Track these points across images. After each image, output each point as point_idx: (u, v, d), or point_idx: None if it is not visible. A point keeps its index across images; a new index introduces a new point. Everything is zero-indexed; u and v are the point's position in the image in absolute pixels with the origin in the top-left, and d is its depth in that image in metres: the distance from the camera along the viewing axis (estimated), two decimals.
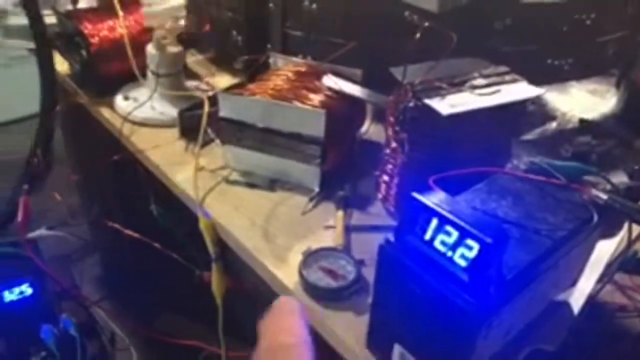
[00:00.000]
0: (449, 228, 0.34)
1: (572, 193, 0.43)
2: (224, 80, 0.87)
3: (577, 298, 0.50)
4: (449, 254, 0.34)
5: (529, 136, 0.76)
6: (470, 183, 0.47)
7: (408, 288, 0.37)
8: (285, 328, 0.25)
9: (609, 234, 0.55)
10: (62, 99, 0.83)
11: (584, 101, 0.90)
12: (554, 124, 0.78)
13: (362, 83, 0.70)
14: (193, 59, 0.93)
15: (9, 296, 0.84)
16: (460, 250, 0.34)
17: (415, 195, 0.36)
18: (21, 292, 0.84)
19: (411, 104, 0.51)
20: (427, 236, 0.36)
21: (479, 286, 0.33)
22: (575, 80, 0.89)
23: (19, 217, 0.72)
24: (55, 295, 0.94)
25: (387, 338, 0.41)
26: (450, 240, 0.34)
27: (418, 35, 0.48)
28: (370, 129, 0.75)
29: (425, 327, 0.37)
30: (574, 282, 0.49)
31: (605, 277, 0.53)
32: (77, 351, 0.82)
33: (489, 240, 0.32)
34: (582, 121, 0.81)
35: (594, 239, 0.44)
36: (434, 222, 0.35)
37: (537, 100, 0.89)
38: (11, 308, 0.83)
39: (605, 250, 0.54)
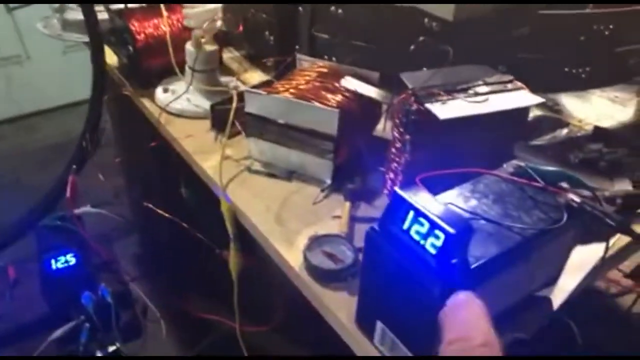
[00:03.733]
0: (421, 219, 0.39)
1: (551, 196, 0.47)
2: (255, 76, 0.94)
3: (557, 294, 0.53)
4: (422, 242, 0.39)
5: (538, 141, 0.79)
6: (463, 182, 0.51)
7: (388, 271, 0.42)
8: (475, 327, 0.28)
9: (600, 238, 0.58)
10: (110, 88, 0.92)
11: (602, 109, 0.91)
12: (565, 131, 0.81)
13: (381, 84, 0.75)
14: (229, 55, 1.01)
15: (55, 264, 0.94)
16: (431, 239, 0.39)
17: (397, 190, 0.41)
18: (66, 261, 0.94)
19: (413, 108, 0.56)
20: (405, 226, 0.41)
21: (444, 271, 0.38)
22: (594, 88, 0.90)
23: (67, 193, 0.80)
24: (95, 267, 1.04)
25: (372, 315, 0.47)
26: (423, 230, 0.39)
27: (412, 47, 0.53)
28: (386, 127, 0.80)
29: (400, 306, 0.42)
30: (554, 280, 0.53)
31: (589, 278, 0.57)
32: (111, 317, 0.92)
33: (452, 230, 0.37)
34: (597, 128, 0.83)
35: (567, 239, 0.48)
36: (411, 214, 0.40)
37: (554, 106, 0.91)
38: (57, 274, 0.93)
39: (594, 252, 0.58)
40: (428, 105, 0.55)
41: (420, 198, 0.41)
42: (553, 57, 0.80)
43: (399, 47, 0.78)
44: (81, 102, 2.77)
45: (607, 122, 0.86)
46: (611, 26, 0.78)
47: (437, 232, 0.38)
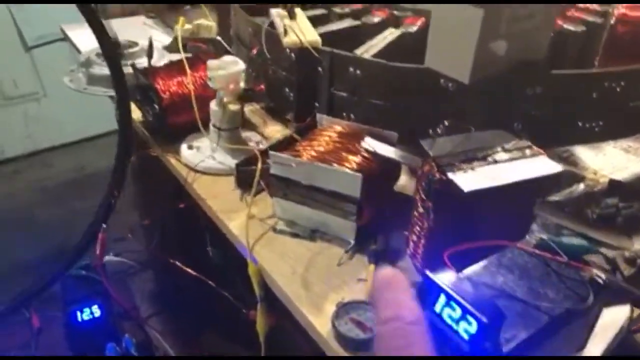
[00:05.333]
0: (453, 304, 0.41)
1: (576, 270, 0.49)
2: (276, 129, 0.97)
3: None
4: (454, 326, 0.41)
5: (555, 197, 0.80)
6: (487, 251, 0.53)
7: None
8: (405, 305, 0.31)
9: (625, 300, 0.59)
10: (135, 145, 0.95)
11: (617, 160, 0.93)
12: (581, 186, 0.82)
13: (401, 142, 0.77)
14: (250, 108, 1.04)
15: (81, 316, 0.96)
16: (463, 324, 0.40)
17: (428, 273, 0.43)
18: (91, 313, 0.96)
19: (436, 177, 0.58)
20: (437, 309, 0.42)
21: (477, 356, 0.40)
22: (608, 140, 0.92)
23: (97, 251, 0.83)
24: (118, 314, 1.06)
25: None
26: (455, 314, 0.41)
27: (439, 130, 0.55)
28: (404, 183, 0.82)
29: None
30: (581, 347, 0.54)
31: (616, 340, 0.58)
32: None
33: (485, 320, 0.38)
34: (612, 182, 0.84)
35: (594, 313, 0.49)
36: (442, 297, 0.42)
37: (569, 157, 0.93)
38: (83, 327, 0.95)
39: (619, 314, 0.59)
40: (451, 175, 0.57)
41: (449, 279, 0.42)
42: (566, 113, 0.82)
43: (415, 106, 0.81)
44: (95, 137, 2.83)
45: (622, 174, 0.87)
46: (622, 83, 0.80)
47: (469, 318, 0.40)
